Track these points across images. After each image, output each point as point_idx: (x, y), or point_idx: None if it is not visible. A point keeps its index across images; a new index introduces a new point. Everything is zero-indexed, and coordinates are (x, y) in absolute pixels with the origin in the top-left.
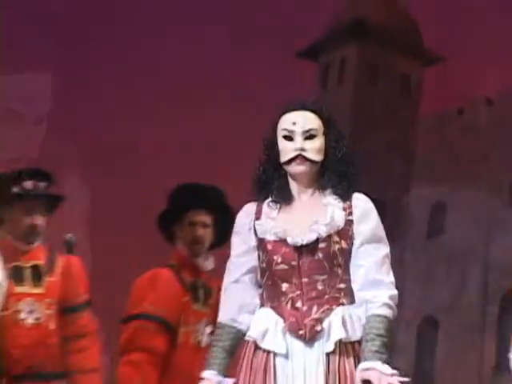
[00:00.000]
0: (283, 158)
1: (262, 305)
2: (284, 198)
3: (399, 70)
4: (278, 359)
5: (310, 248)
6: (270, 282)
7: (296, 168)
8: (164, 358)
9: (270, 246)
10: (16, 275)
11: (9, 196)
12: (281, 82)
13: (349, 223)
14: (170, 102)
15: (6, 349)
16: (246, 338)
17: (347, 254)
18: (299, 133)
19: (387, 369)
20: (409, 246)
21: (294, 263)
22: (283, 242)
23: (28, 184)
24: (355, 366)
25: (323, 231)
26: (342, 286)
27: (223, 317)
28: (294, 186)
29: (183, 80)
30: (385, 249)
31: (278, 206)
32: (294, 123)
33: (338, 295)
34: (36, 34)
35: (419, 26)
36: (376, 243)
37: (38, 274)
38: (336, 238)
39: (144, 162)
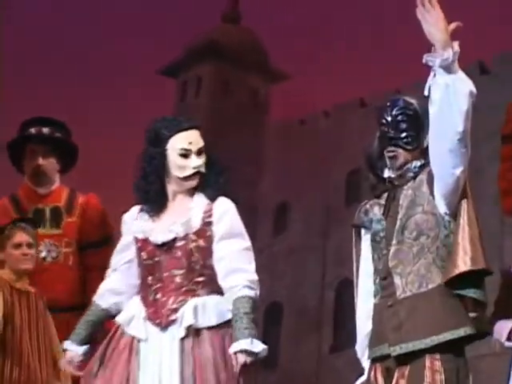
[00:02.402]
0: (181, 174)
1: (138, 293)
2: (159, 202)
3: (248, 85)
4: (140, 343)
5: (169, 246)
6: (142, 275)
7: (191, 183)
8: None
9: (139, 244)
10: (37, 217)
11: (18, 141)
12: (145, 97)
13: (207, 224)
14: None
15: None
16: (116, 321)
17: (205, 251)
18: (195, 151)
19: (256, 345)
20: (256, 242)
21: (156, 259)
22: (148, 240)
23: (32, 130)
24: (218, 348)
25: (180, 231)
26: (200, 279)
27: (96, 296)
28: (171, 190)
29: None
30: (244, 242)
31: (152, 208)
32: (190, 143)
33: (194, 287)
34: None
35: (266, 48)
36: (234, 238)
37: (57, 216)
38: (193, 237)
39: None
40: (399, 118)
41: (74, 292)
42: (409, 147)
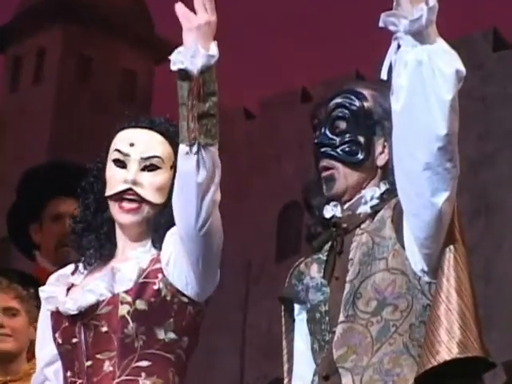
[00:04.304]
0: (108, 191)
1: None
2: (102, 254)
3: (120, 63)
4: None
5: (91, 317)
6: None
7: (124, 216)
8: None
9: (52, 321)
10: None
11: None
12: None
13: (154, 274)
14: None
15: None
16: None
17: (150, 315)
18: (135, 159)
19: None
20: None
21: (74, 341)
22: (59, 311)
23: None
24: None
25: (103, 290)
26: (144, 363)
27: None
28: (120, 236)
29: None
30: None
31: (91, 255)
32: (131, 144)
33: (134, 378)
34: None
35: (149, 6)
36: None
37: None
38: (127, 298)
39: None
40: (336, 113)
41: None
42: (351, 160)
